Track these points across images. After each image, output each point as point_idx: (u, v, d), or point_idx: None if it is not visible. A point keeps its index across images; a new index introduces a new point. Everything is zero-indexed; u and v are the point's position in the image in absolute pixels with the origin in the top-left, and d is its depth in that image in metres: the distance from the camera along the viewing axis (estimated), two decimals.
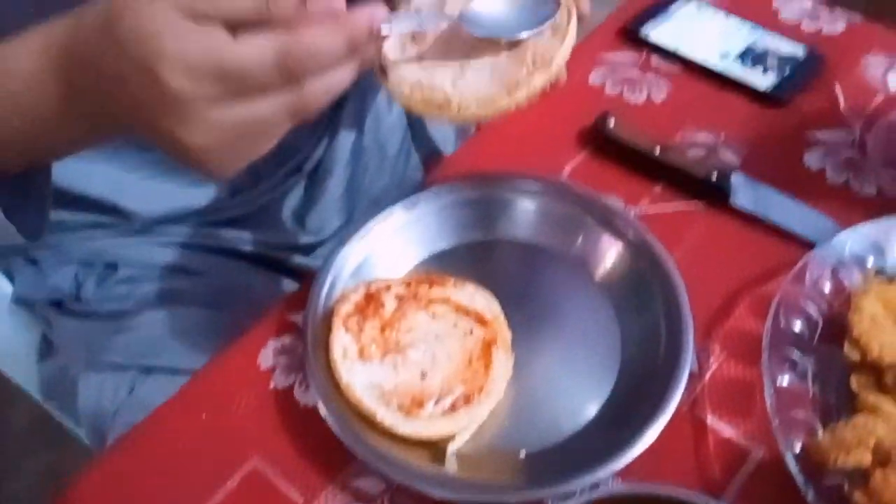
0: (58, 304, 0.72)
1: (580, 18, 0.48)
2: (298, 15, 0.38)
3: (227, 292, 0.73)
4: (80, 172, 0.68)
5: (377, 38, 0.40)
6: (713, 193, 0.62)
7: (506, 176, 0.61)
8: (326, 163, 0.84)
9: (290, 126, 0.40)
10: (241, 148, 0.39)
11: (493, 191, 0.61)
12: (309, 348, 0.51)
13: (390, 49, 0.48)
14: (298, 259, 0.78)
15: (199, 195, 0.75)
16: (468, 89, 0.46)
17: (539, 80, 0.45)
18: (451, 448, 0.49)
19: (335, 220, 0.81)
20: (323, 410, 0.48)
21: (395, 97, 0.48)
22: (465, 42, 0.48)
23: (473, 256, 0.59)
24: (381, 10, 0.40)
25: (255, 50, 0.36)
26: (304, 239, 0.80)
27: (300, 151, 0.81)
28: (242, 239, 0.78)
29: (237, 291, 0.73)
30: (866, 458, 0.41)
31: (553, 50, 0.46)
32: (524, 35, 0.47)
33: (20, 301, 0.73)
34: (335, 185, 0.83)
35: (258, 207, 0.80)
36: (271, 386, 0.53)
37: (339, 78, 0.38)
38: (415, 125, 0.91)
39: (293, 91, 0.37)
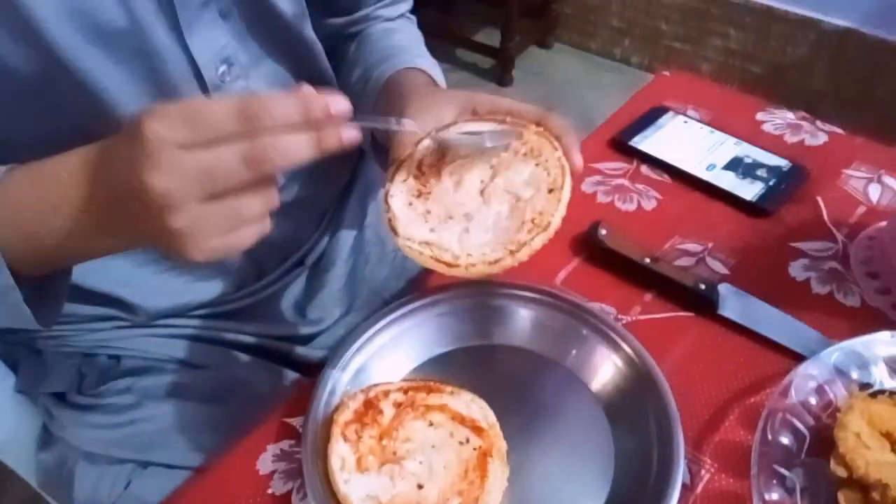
0: (59, 396, 0.73)
1: (572, 174, 0.52)
2: None
3: (228, 386, 0.74)
4: (89, 267, 0.70)
5: (338, 123, 0.45)
6: (701, 303, 0.64)
7: (501, 283, 0.63)
8: (328, 255, 0.86)
9: (261, 210, 0.45)
10: (211, 213, 0.44)
11: (488, 297, 0.63)
12: (308, 457, 0.52)
13: (398, 206, 0.52)
14: (299, 350, 0.80)
15: (206, 290, 0.77)
16: (474, 249, 0.50)
17: (539, 241, 0.49)
18: None
19: (336, 310, 0.83)
20: None
21: (406, 254, 0.51)
22: (468, 195, 0.52)
23: (470, 361, 0.61)
24: (343, 101, 0.45)
25: (222, 102, 0.43)
26: (305, 330, 0.81)
27: (303, 244, 0.83)
28: (244, 331, 0.80)
29: (238, 385, 0.74)
30: None
31: (551, 209, 0.49)
32: (489, 144, 0.52)
33: (22, 391, 0.74)
34: (336, 276, 0.86)
35: (262, 300, 0.82)
36: (269, 491, 0.54)
37: (294, 141, 0.44)
38: None
39: (250, 141, 0.43)
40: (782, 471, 0.51)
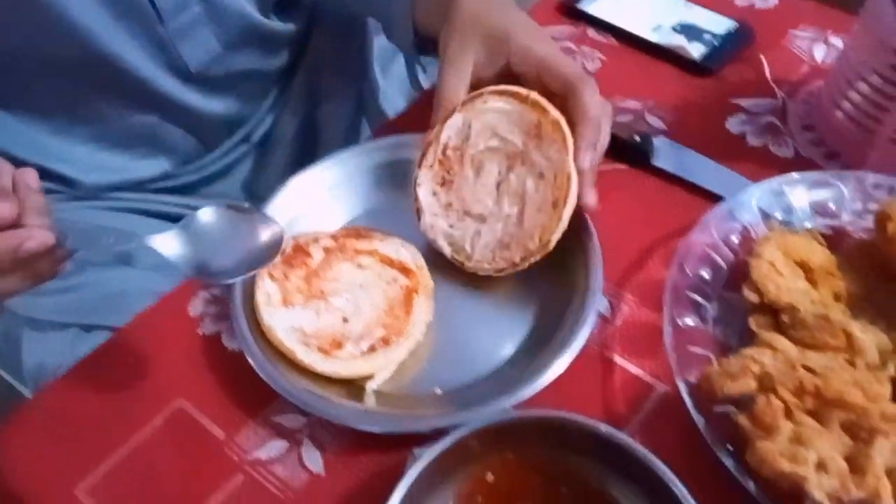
0: None
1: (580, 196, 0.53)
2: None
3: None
4: (21, 140, 0.70)
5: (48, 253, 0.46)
6: (636, 155, 0.64)
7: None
8: (276, 134, 0.85)
9: None
10: None
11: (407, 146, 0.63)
12: (235, 294, 0.53)
13: (424, 196, 0.57)
14: None
15: (148, 167, 0.76)
16: (484, 250, 0.55)
17: (539, 257, 0.53)
18: (370, 386, 0.51)
19: None
20: (244, 349, 0.50)
21: (429, 239, 0.57)
22: (485, 189, 0.55)
23: (402, 214, 0.61)
24: (47, 235, 0.46)
25: None
26: None
27: (247, 122, 0.82)
28: (190, 206, 0.79)
29: None
30: (751, 386, 0.44)
31: (552, 227, 0.52)
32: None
33: None
34: (284, 156, 0.85)
35: (207, 176, 0.81)
36: (199, 332, 0.55)
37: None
38: (366, 100, 0.92)
39: None
40: (697, 298, 0.52)
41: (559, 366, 0.48)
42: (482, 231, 0.55)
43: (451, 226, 0.56)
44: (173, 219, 0.78)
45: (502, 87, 0.55)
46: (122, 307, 0.69)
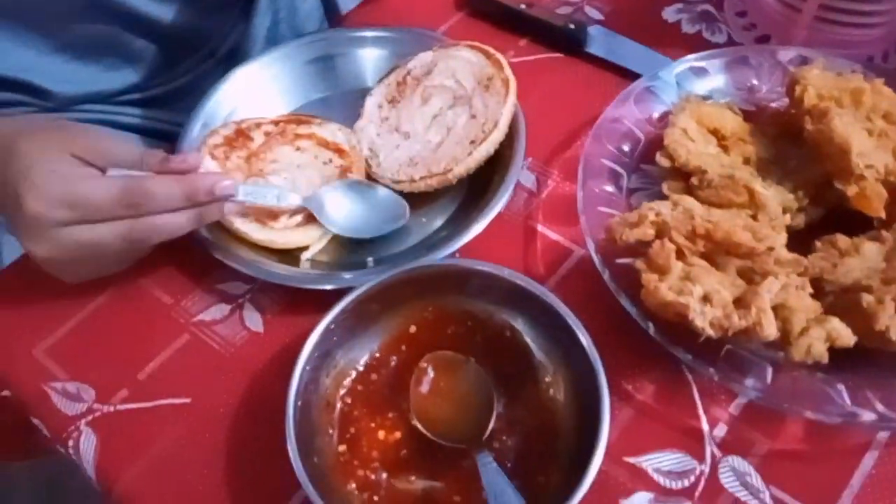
0: None
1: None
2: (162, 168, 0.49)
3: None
4: None
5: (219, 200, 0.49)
6: (571, 44, 0.66)
7: (372, 28, 0.65)
8: (242, 48, 0.87)
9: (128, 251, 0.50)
10: (85, 263, 0.50)
11: (369, 45, 0.65)
12: None
13: (369, 104, 0.60)
14: None
15: (116, 78, 0.78)
16: (393, 162, 0.57)
17: (436, 183, 0.55)
18: (305, 256, 0.54)
19: None
20: None
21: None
22: (422, 116, 0.58)
23: (342, 104, 0.63)
24: (228, 183, 0.49)
25: (103, 186, 0.46)
26: None
27: (213, 36, 0.84)
28: (158, 118, 0.82)
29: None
30: (648, 233, 0.47)
31: (459, 160, 0.55)
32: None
33: None
34: None
35: (174, 90, 0.84)
36: None
37: (174, 221, 0.48)
38: (330, 12, 0.94)
39: (128, 222, 0.46)
40: (615, 167, 0.55)
41: (477, 228, 0.51)
42: (401, 146, 0.58)
43: (378, 134, 0.59)
44: (143, 131, 0.81)
45: (476, 43, 0.60)
46: None
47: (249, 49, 0.87)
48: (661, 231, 0.47)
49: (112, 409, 0.49)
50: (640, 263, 0.46)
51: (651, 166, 0.56)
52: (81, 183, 0.46)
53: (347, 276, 0.52)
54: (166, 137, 0.81)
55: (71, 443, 0.47)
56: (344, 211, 0.54)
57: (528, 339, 0.48)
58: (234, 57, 0.86)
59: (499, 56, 0.57)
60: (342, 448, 0.45)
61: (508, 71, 0.56)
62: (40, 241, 0.46)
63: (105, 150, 0.50)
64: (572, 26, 0.66)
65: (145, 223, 0.47)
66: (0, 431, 0.61)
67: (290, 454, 0.41)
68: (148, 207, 0.47)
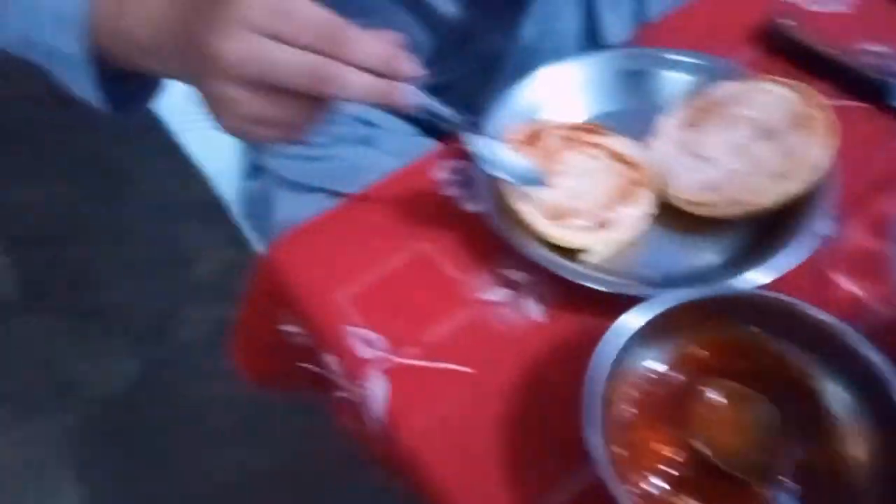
0: None
1: None
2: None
3: (403, 144, 0.83)
4: None
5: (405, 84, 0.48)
6: (873, 93, 0.64)
7: (681, 52, 0.66)
8: (503, 56, 0.91)
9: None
10: (258, 100, 0.45)
11: (666, 64, 0.66)
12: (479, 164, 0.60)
13: (667, 123, 0.61)
14: None
15: None
16: (690, 183, 0.57)
17: (738, 213, 0.55)
18: (587, 259, 0.56)
19: None
20: (483, 206, 0.57)
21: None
22: (720, 144, 0.59)
23: (637, 123, 0.64)
24: (419, 69, 0.48)
25: (314, 7, 0.44)
26: None
27: (484, 36, 0.89)
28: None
29: (411, 144, 0.83)
30: None
31: (766, 195, 0.55)
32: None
33: None
34: (506, 78, 0.91)
35: (436, 86, 0.89)
36: (440, 194, 0.63)
37: (359, 84, 0.45)
38: (594, 32, 0.96)
39: (319, 59, 0.44)
40: None
41: (773, 270, 0.51)
42: (699, 169, 0.58)
43: (674, 156, 0.59)
44: (403, 117, 0.86)
45: (794, 81, 0.58)
46: (364, 179, 0.79)
47: (509, 58, 0.91)
48: None
49: (404, 361, 0.53)
50: None
51: None
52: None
53: (639, 285, 0.53)
54: (425, 125, 0.87)
55: (366, 384, 0.52)
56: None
57: (828, 386, 0.46)
58: (497, 62, 0.91)
59: (820, 97, 0.56)
60: (617, 449, 0.46)
61: (832, 115, 0.55)
62: (231, 40, 0.43)
63: None
64: (882, 77, 0.63)
65: (333, 67, 0.44)
66: (269, 362, 0.68)
67: (589, 439, 0.42)
68: (344, 53, 0.45)
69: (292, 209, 0.82)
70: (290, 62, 0.44)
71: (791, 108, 0.57)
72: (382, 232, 0.61)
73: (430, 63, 0.86)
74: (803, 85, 0.58)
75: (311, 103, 0.47)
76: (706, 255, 0.56)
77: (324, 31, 0.44)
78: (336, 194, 0.79)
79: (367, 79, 0.46)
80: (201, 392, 1.39)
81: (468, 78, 0.91)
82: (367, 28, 0.47)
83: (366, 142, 0.83)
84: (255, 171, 0.90)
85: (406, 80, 0.48)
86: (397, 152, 0.82)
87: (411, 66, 0.48)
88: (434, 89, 0.88)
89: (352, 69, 0.45)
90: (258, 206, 0.89)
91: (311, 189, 0.82)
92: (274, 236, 0.85)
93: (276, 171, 0.85)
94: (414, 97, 0.50)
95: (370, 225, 0.61)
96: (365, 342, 0.54)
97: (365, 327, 0.55)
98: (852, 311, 0.52)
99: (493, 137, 0.59)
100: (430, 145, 0.85)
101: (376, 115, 0.86)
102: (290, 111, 0.47)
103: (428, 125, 0.86)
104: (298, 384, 0.68)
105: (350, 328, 0.55)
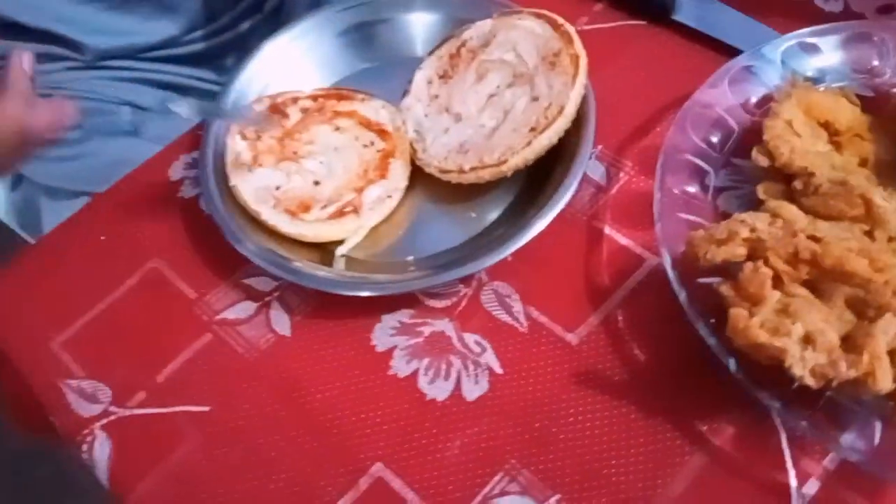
0: None
1: None
2: None
3: (177, 129, 0.73)
4: (24, 3, 0.68)
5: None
6: (655, 10, 0.57)
7: None
8: (287, 4, 0.81)
9: None
10: None
11: (419, 10, 0.58)
12: (207, 156, 0.51)
13: (418, 79, 0.54)
14: None
15: (153, 30, 0.74)
16: (440, 148, 0.51)
17: (489, 175, 0.48)
18: (339, 251, 0.49)
19: None
20: (212, 212, 0.48)
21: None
22: (476, 95, 0.52)
23: (391, 76, 0.56)
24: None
25: None
26: None
27: None
28: (199, 77, 0.78)
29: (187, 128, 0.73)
30: (738, 252, 0.39)
31: (516, 150, 0.47)
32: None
33: None
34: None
35: (216, 46, 0.79)
36: (179, 195, 0.54)
37: None
38: None
39: None
40: (700, 164, 0.47)
41: (534, 230, 0.45)
42: (451, 129, 0.51)
43: (426, 115, 0.53)
44: (181, 90, 0.76)
45: (543, 10, 0.51)
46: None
47: (292, 6, 0.81)
48: (755, 251, 0.39)
49: (128, 412, 0.45)
50: (726, 289, 0.39)
51: (744, 162, 0.47)
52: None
53: (384, 279, 0.46)
54: (206, 97, 0.77)
55: (85, 447, 0.44)
56: None
57: None
58: (280, 13, 0.81)
59: (568, 27, 0.49)
60: None
61: (579, 45, 0.48)
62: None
63: None
64: None
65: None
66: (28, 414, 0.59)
67: None
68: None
69: (59, 217, 0.72)
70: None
71: (542, 44, 0.50)
72: (106, 253, 0.52)
73: (206, 20, 0.76)
74: (551, 14, 0.50)
75: None
76: (470, 223, 0.49)
77: None
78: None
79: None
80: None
81: (254, 34, 0.81)
82: None
83: (131, 131, 0.72)
84: (17, 180, 0.78)
85: None
86: (169, 140, 0.72)
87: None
88: (217, 49, 0.79)
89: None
90: (28, 218, 0.78)
91: (73, 194, 0.71)
92: None
93: (32, 177, 0.74)
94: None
95: (91, 247, 0.52)
96: (84, 397, 0.46)
97: (83, 378, 0.46)
98: (622, 265, 0.47)
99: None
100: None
101: (147, 97, 0.75)
102: None
103: (211, 95, 0.76)
104: None
105: (68, 382, 0.46)
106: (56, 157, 0.72)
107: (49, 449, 1.19)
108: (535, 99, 0.48)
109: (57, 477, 1.24)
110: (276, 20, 0.81)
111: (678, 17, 0.56)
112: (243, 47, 0.81)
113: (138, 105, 0.74)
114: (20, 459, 1.28)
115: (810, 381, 0.36)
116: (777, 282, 0.38)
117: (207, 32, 0.77)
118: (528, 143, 0.46)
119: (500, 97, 0.50)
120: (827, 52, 0.49)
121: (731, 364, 0.39)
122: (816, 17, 0.56)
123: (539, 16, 0.51)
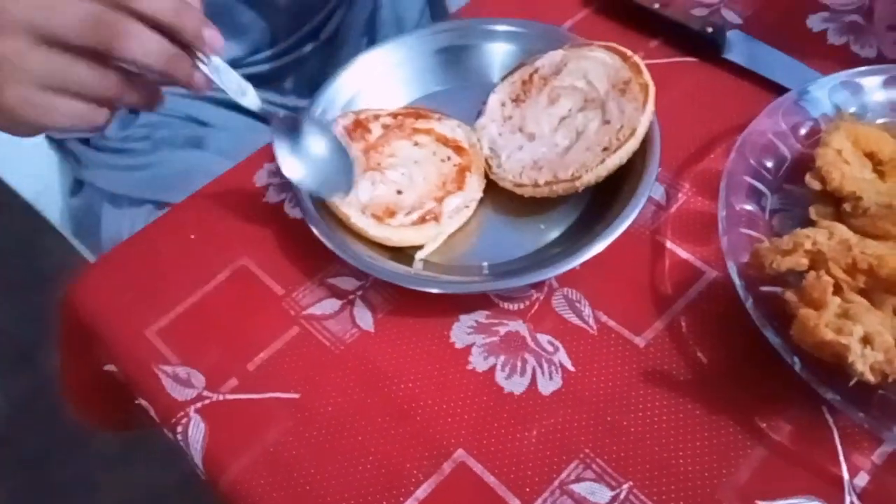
0: (85, 142, 0.77)
1: None
2: None
3: (237, 142, 0.77)
4: None
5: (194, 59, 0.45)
6: (708, 48, 0.62)
7: (502, 21, 0.62)
8: (342, 31, 0.86)
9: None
10: (34, 59, 0.41)
11: (488, 39, 0.62)
12: None
13: (492, 101, 0.58)
14: None
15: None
16: (515, 164, 0.55)
17: (562, 190, 0.52)
18: (419, 255, 0.52)
19: None
20: (305, 214, 0.52)
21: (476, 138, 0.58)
22: (549, 117, 0.56)
23: (462, 100, 0.61)
24: (218, 37, 0.45)
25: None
26: None
27: (316, 13, 0.83)
28: (262, 98, 0.82)
29: (247, 142, 0.77)
30: (801, 262, 0.43)
31: (589, 168, 0.51)
32: None
33: (52, 138, 0.79)
34: (350, 55, 0.86)
35: (278, 69, 0.83)
36: (264, 200, 0.57)
37: (145, 40, 0.41)
38: (434, 4, 0.92)
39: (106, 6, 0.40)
40: (757, 185, 0.51)
41: (602, 243, 0.48)
42: (524, 147, 0.55)
43: (499, 134, 0.56)
44: (239, 109, 0.80)
45: (612, 44, 0.56)
46: (193, 186, 0.73)
47: (347, 34, 0.86)
48: (816, 262, 0.43)
49: (221, 397, 0.48)
50: (791, 295, 0.42)
51: (795, 187, 0.52)
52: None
53: (462, 279, 0.50)
54: (263, 118, 0.81)
55: (180, 429, 0.47)
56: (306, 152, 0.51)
57: None
58: (335, 41, 0.86)
59: (637, 59, 0.54)
60: None
61: (647, 76, 0.53)
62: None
63: None
64: (710, 30, 0.62)
65: (118, 17, 0.40)
66: (103, 405, 0.62)
67: None
68: (130, 2, 0.41)
69: (119, 224, 0.76)
70: (69, 9, 0.40)
71: (612, 73, 0.54)
72: (196, 251, 0.55)
73: (268, 44, 0.81)
74: (620, 47, 0.55)
75: (103, 72, 0.42)
76: (539, 234, 0.53)
77: None
78: (163, 205, 0.73)
79: (157, 38, 0.42)
80: None
81: (310, 60, 0.86)
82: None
83: (195, 144, 0.77)
84: (77, 186, 0.82)
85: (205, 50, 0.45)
86: (230, 153, 0.76)
87: (210, 31, 0.44)
88: (277, 73, 0.84)
89: (140, 25, 0.41)
90: (85, 224, 0.81)
91: (137, 201, 0.75)
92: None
93: (95, 183, 0.77)
94: (211, 73, 0.46)
95: (182, 244, 0.56)
96: (178, 382, 0.49)
97: (178, 365, 0.49)
98: (683, 276, 0.50)
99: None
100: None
101: (208, 113, 0.79)
102: (81, 76, 0.42)
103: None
104: (144, 423, 0.62)
105: (163, 367, 0.49)
106: (125, 166, 0.76)
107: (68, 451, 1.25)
108: (607, 122, 0.52)
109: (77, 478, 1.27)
110: (330, 47, 0.86)
111: (728, 55, 0.61)
112: (302, 70, 0.86)
113: (201, 120, 0.78)
114: (41, 460, 1.30)
115: (869, 377, 0.39)
116: (836, 289, 0.42)
117: (270, 55, 0.82)
118: (602, 161, 0.50)
119: (572, 119, 0.54)
120: (869, 92, 0.54)
121: (796, 362, 0.42)
122: (853, 61, 0.61)
123: (608, 48, 0.55)
